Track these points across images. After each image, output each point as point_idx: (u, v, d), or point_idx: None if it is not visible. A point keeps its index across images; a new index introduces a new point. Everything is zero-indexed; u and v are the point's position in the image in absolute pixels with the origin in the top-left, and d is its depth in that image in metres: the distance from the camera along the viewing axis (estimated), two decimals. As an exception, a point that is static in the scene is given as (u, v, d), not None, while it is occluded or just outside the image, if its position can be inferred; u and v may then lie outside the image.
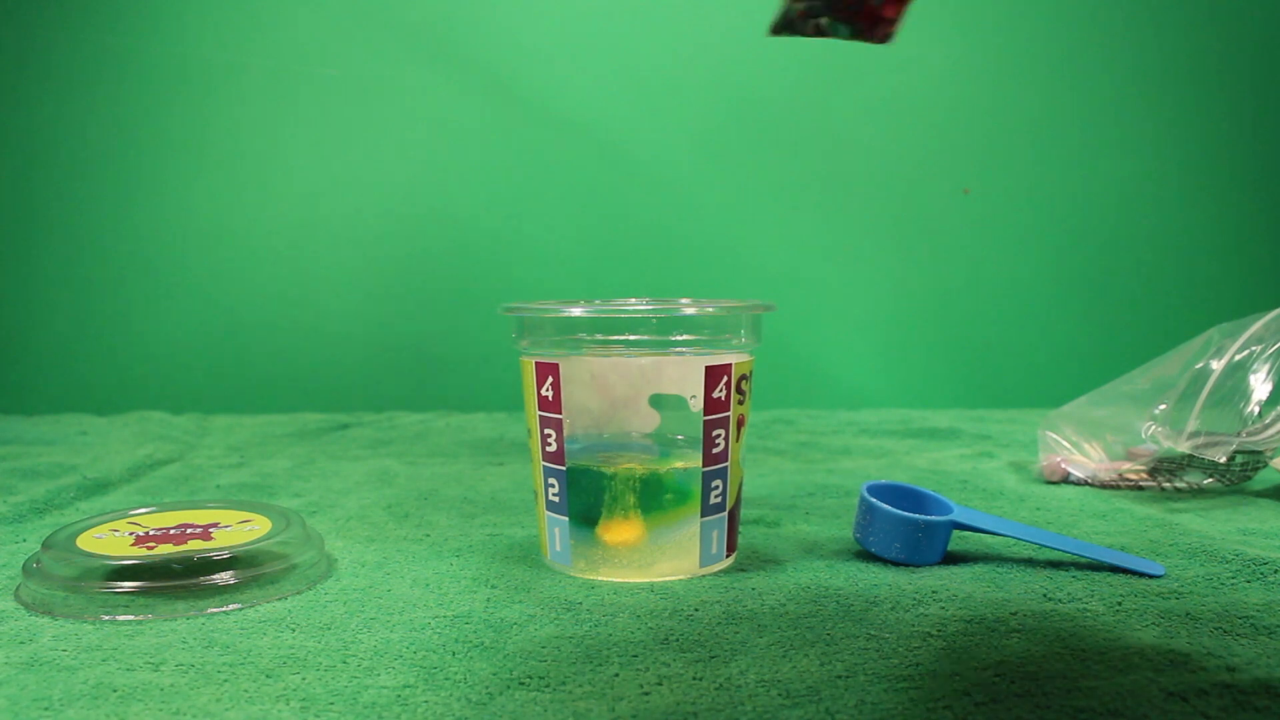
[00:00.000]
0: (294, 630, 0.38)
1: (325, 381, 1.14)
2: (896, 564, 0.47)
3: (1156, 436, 0.63)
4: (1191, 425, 0.61)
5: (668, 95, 1.15)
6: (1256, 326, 0.64)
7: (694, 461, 0.43)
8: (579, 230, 1.16)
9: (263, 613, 0.40)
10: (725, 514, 0.45)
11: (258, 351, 1.14)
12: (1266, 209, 1.21)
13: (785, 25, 0.42)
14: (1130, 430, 0.67)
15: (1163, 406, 0.64)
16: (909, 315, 1.19)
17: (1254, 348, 0.62)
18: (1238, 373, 0.62)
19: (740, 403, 0.45)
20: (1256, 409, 0.60)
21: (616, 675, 0.33)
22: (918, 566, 0.46)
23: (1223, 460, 0.59)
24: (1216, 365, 0.62)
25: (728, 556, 0.46)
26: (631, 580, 0.44)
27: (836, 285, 1.18)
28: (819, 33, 0.42)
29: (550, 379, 0.44)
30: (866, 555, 0.48)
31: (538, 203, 1.15)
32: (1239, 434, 0.60)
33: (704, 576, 0.45)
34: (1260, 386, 0.61)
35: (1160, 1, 1.16)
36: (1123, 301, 1.20)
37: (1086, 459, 0.68)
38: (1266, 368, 0.61)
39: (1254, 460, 0.63)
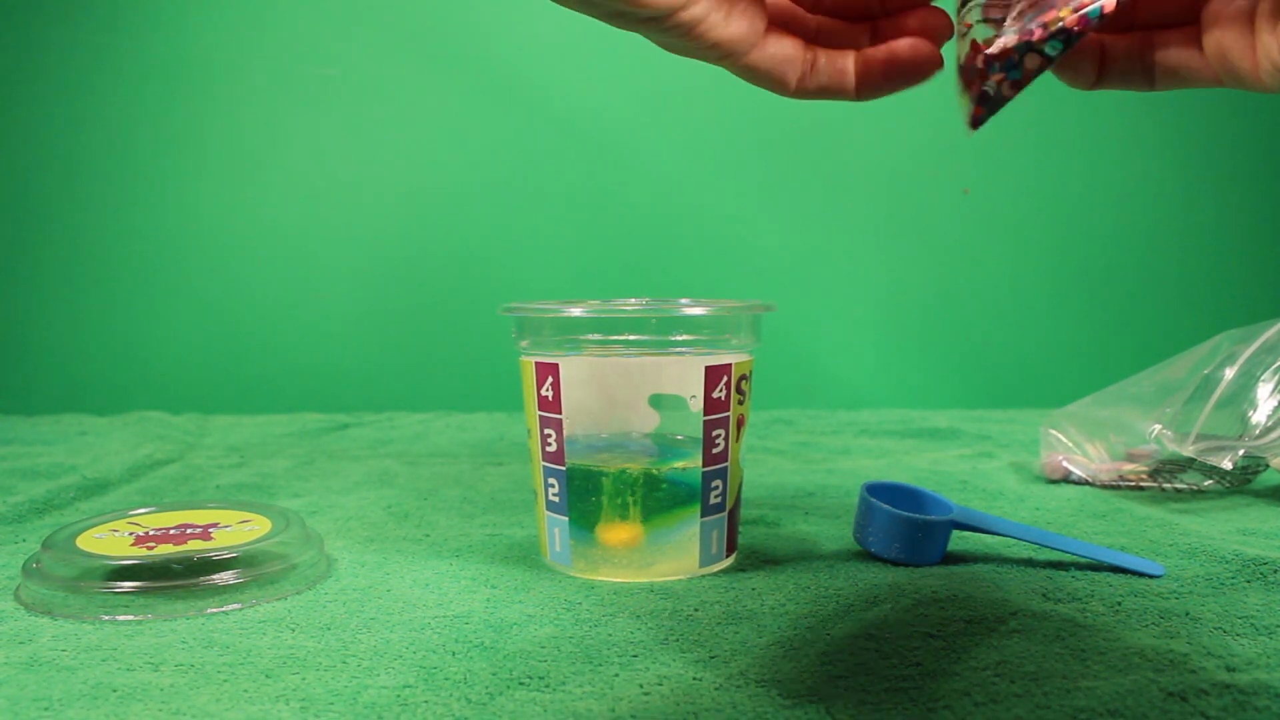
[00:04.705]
0: (294, 630, 0.38)
1: (325, 381, 1.14)
2: (896, 564, 0.47)
3: (1161, 439, 0.63)
4: (1197, 430, 0.61)
5: (668, 95, 1.15)
6: (1269, 334, 0.63)
7: (694, 462, 0.43)
8: (579, 230, 1.16)
9: (262, 613, 0.40)
10: (725, 514, 0.45)
11: (257, 351, 1.14)
12: (1267, 209, 1.21)
13: (990, 105, 0.35)
14: (1133, 431, 0.67)
15: (1168, 410, 0.64)
16: (909, 315, 1.19)
17: (1264, 357, 0.62)
18: (1245, 378, 0.62)
19: (740, 403, 0.45)
20: (1265, 420, 0.60)
21: (616, 675, 0.33)
22: (917, 566, 0.46)
23: (1227, 466, 0.59)
24: (1229, 372, 0.62)
25: (727, 556, 0.46)
26: (631, 580, 0.44)
27: (836, 285, 1.18)
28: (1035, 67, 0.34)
29: (550, 379, 0.44)
30: (866, 555, 0.48)
31: (538, 203, 1.15)
32: (1241, 438, 0.60)
33: (704, 576, 0.45)
34: (1267, 399, 0.61)
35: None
36: (1122, 302, 1.20)
37: (1087, 458, 0.68)
38: (1277, 379, 0.61)
39: (1255, 464, 0.63)
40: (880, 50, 0.36)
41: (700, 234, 1.17)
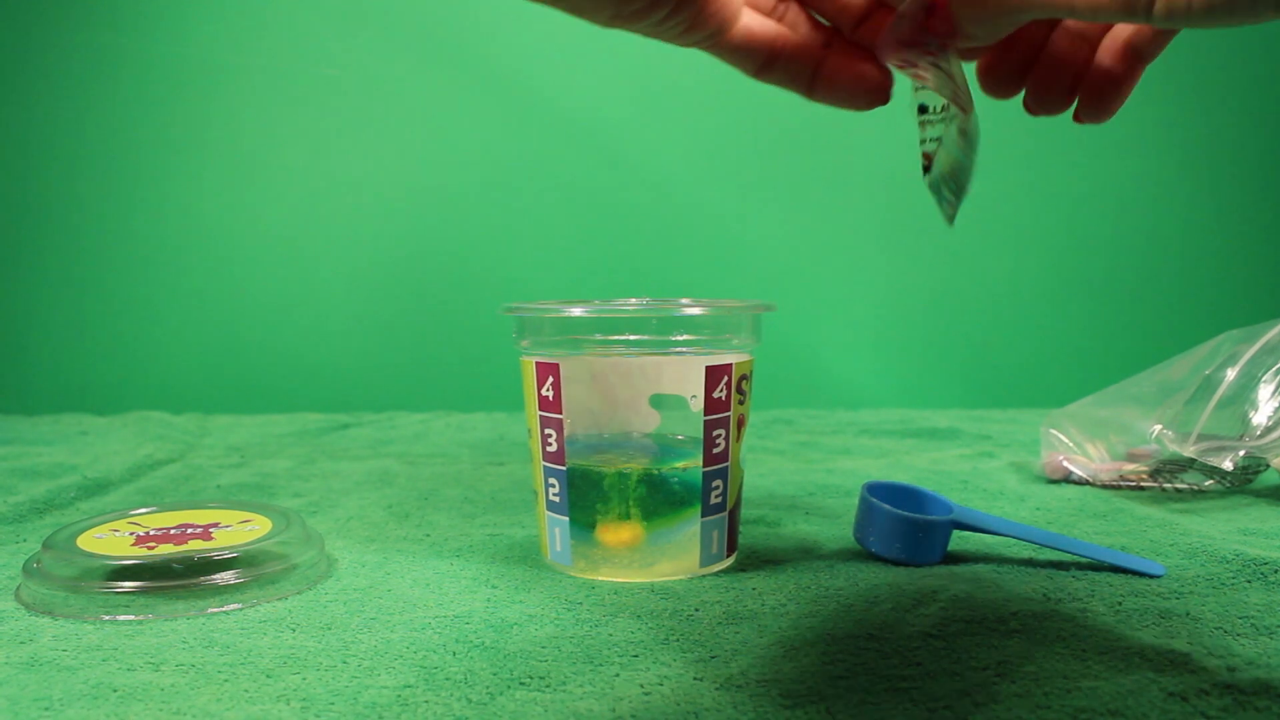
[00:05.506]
0: (294, 630, 0.38)
1: (325, 381, 1.14)
2: (896, 564, 0.47)
3: (1162, 439, 0.63)
4: (1198, 430, 0.61)
5: (668, 94, 1.15)
6: (1271, 334, 0.63)
7: (694, 462, 0.43)
8: (579, 230, 1.16)
9: (263, 613, 0.40)
10: (725, 514, 0.45)
11: (258, 351, 1.14)
12: (1267, 208, 1.21)
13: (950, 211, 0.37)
14: (1134, 431, 0.67)
15: (1169, 410, 0.64)
16: (909, 315, 1.19)
17: (1265, 358, 0.62)
18: (1246, 379, 0.62)
19: (741, 403, 0.45)
20: (1266, 421, 0.60)
21: (617, 675, 0.33)
22: (918, 566, 0.46)
23: (1228, 466, 0.59)
24: (1230, 373, 0.62)
25: (728, 556, 0.46)
26: (632, 580, 0.44)
27: (836, 285, 1.18)
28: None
29: (550, 379, 0.44)
30: (866, 555, 0.48)
31: (538, 203, 1.15)
32: (1242, 438, 0.60)
33: (704, 576, 0.45)
34: (1268, 400, 0.61)
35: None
36: (1122, 301, 1.20)
37: (1088, 458, 0.68)
38: (1278, 380, 0.61)
39: (1255, 464, 0.63)
40: (845, 70, 0.37)
41: (700, 234, 1.17)
